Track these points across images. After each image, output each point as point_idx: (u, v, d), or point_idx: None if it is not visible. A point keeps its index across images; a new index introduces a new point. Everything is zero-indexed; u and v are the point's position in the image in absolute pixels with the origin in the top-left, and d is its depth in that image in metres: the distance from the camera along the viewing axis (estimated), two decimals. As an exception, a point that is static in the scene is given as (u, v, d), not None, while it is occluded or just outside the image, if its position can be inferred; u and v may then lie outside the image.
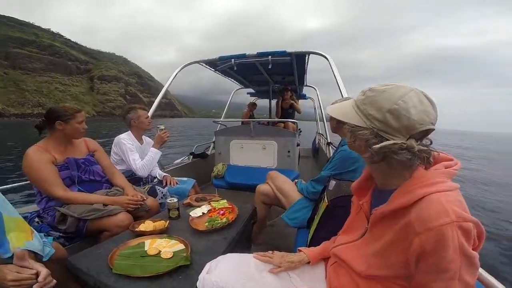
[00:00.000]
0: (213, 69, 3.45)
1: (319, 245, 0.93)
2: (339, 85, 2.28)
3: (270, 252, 0.88)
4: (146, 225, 1.25)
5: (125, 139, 2.03)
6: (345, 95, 2.13)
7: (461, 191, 0.59)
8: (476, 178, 9.71)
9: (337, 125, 1.48)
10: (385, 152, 0.60)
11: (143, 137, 2.23)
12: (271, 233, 2.21)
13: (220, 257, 0.87)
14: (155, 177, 2.20)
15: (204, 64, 3.24)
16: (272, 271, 0.82)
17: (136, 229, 1.22)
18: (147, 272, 0.87)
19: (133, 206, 1.53)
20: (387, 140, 0.60)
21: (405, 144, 0.57)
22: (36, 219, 1.45)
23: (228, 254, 0.89)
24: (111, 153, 2.05)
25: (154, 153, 2.13)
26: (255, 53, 2.78)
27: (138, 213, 1.57)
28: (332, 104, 1.34)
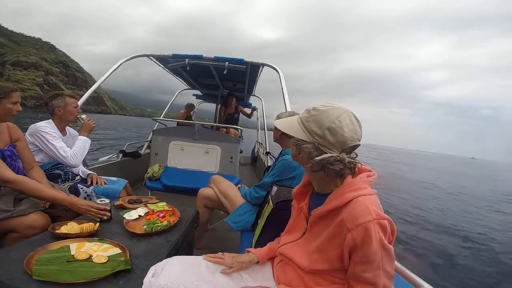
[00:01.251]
0: (163, 66, 3.28)
1: (264, 246, 0.99)
2: (285, 98, 2.44)
3: (221, 253, 0.90)
4: (70, 227, 1.10)
5: (46, 127, 1.71)
6: (289, 108, 2.28)
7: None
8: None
9: (281, 136, 1.60)
10: (323, 163, 0.70)
11: (67, 128, 1.92)
12: (213, 237, 2.19)
13: (165, 260, 0.83)
14: (77, 174, 1.92)
15: (153, 59, 3.05)
16: (224, 271, 0.84)
17: (57, 231, 1.06)
18: (80, 278, 0.76)
19: (93, 215, 1.25)
20: (325, 153, 0.71)
21: (338, 157, 0.70)
22: None
23: (175, 257, 0.86)
24: None
25: (83, 141, 1.87)
26: (213, 56, 2.77)
27: (57, 213, 1.35)
28: (278, 117, 1.48)
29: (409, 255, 4.48)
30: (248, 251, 0.95)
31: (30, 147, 1.67)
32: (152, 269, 0.78)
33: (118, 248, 0.98)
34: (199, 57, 2.78)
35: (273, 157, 2.87)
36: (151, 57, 3.00)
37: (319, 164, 0.71)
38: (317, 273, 0.75)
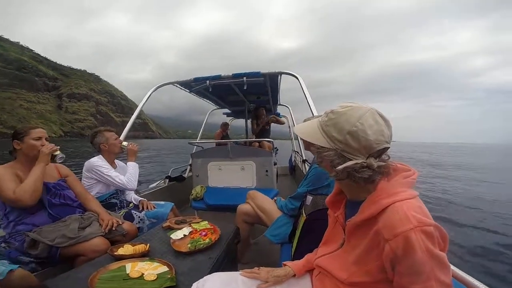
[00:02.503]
0: (188, 91, 3.46)
1: (302, 258, 0.97)
2: (309, 103, 2.41)
3: (257, 268, 0.90)
4: (126, 249, 1.23)
5: (98, 161, 1.96)
6: (315, 113, 2.24)
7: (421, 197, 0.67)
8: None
9: (309, 143, 1.58)
10: (348, 171, 0.64)
11: (116, 161, 2.16)
12: (256, 251, 2.20)
13: (206, 277, 0.87)
14: (131, 202, 2.13)
15: (178, 86, 3.23)
16: (260, 286, 0.84)
17: (115, 253, 1.19)
18: (134, 294, 0.85)
19: (109, 227, 1.50)
20: (349, 160, 0.65)
21: (365, 163, 0.63)
22: (3, 244, 1.35)
23: (214, 273, 0.90)
24: (83, 178, 1.96)
25: (133, 166, 2.09)
26: (231, 74, 2.83)
27: (115, 238, 1.52)
28: (302, 122, 1.45)
29: (469, 259, 3.90)
30: (285, 264, 0.94)
31: (88, 181, 1.93)
32: (194, 285, 0.83)
33: (165, 266, 1.06)
34: (218, 77, 2.87)
35: (310, 164, 2.81)
36: (175, 84, 3.18)
37: (344, 172, 0.65)
38: (357, 286, 0.70)
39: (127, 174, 2.03)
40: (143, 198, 2.16)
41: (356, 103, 0.69)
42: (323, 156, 0.70)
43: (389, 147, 0.67)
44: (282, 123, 4.86)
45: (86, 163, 1.96)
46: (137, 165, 2.15)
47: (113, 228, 1.52)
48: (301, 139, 1.77)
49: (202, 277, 0.88)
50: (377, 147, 0.64)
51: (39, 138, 1.49)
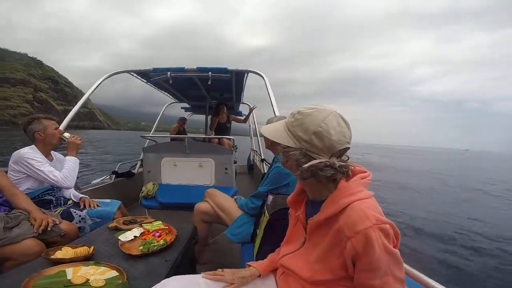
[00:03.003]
0: (145, 81, 3.24)
1: (265, 258, 0.97)
2: (272, 103, 2.45)
3: (220, 270, 0.87)
4: (65, 252, 1.07)
5: (29, 153, 1.66)
6: (277, 113, 2.28)
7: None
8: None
9: (272, 143, 1.60)
10: (312, 170, 0.67)
11: (52, 152, 1.87)
12: (215, 251, 2.15)
13: (164, 281, 0.81)
14: (69, 199, 1.88)
15: (135, 75, 3.00)
16: None
17: (52, 257, 1.03)
18: (78, 304, 0.74)
19: (43, 228, 1.30)
20: (314, 159, 0.68)
21: (328, 162, 0.66)
22: None
23: (173, 277, 0.84)
24: (9, 171, 1.65)
25: (73, 161, 1.83)
26: (195, 67, 2.72)
27: (51, 239, 1.32)
28: (267, 123, 1.47)
29: (418, 256, 4.45)
30: (249, 265, 0.93)
31: (16, 175, 1.64)
32: None
33: (115, 270, 0.96)
34: (181, 70, 2.74)
35: (269, 163, 2.85)
36: (132, 73, 2.96)
37: (308, 171, 0.68)
38: (321, 284, 0.72)
39: (63, 170, 1.77)
40: (84, 195, 1.93)
41: (320, 106, 0.73)
42: (289, 155, 0.72)
43: (349, 147, 0.71)
44: (244, 122, 4.83)
45: (15, 154, 1.65)
46: (78, 160, 1.90)
47: (48, 228, 1.32)
48: (262, 138, 1.79)
49: (159, 281, 0.82)
50: (339, 147, 0.68)
51: None
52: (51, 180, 1.69)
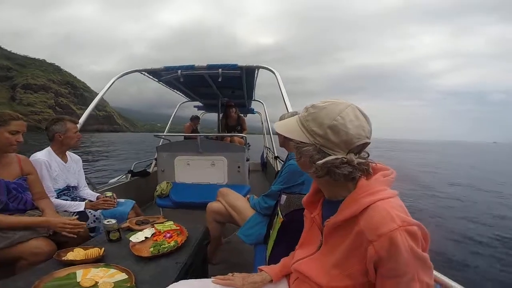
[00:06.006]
0: (157, 80, 3.24)
1: (278, 261, 0.92)
2: (285, 99, 2.38)
3: (230, 274, 0.84)
4: (76, 253, 1.08)
5: (43, 160, 1.64)
6: (290, 109, 2.21)
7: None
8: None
9: (284, 140, 1.52)
10: (328, 167, 0.62)
11: (68, 153, 1.88)
12: (228, 251, 2.11)
13: (173, 285, 0.78)
14: (85, 199, 1.90)
15: (146, 74, 2.99)
16: None
17: (64, 258, 1.04)
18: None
19: (69, 231, 1.29)
20: (329, 155, 0.63)
21: (345, 158, 0.61)
22: None
23: (183, 281, 0.81)
24: None
25: (76, 205, 1.74)
26: (205, 65, 2.68)
27: (61, 239, 1.32)
28: (280, 119, 1.41)
29: (447, 262, 4.07)
30: (261, 269, 0.88)
31: None
32: None
33: (124, 273, 0.94)
34: (192, 67, 2.71)
35: (282, 161, 2.77)
36: (143, 72, 2.95)
37: (323, 168, 0.63)
38: None
39: (64, 201, 1.70)
40: (100, 194, 1.95)
41: (337, 99, 0.67)
42: (302, 151, 0.67)
43: (369, 143, 0.65)
44: (244, 130, 4.48)
45: (31, 157, 1.65)
46: (82, 209, 1.75)
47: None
48: (276, 135, 1.72)
49: (168, 285, 0.79)
50: (357, 142, 0.63)
51: (17, 132, 1.29)
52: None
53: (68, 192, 1.81)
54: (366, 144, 0.65)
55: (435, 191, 9.48)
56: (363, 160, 0.63)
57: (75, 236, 1.30)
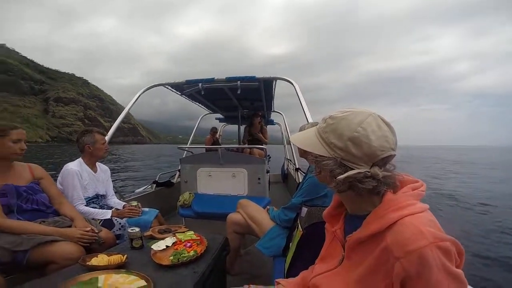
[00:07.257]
0: (179, 93, 3.37)
1: (297, 274, 0.88)
2: (304, 110, 2.36)
3: (247, 286, 0.82)
4: (100, 259, 1.11)
5: (74, 170, 1.76)
6: (310, 119, 2.18)
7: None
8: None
9: (304, 151, 1.50)
10: (350, 181, 0.59)
11: (97, 163, 2.01)
12: (247, 262, 2.08)
13: None
14: (112, 207, 2.00)
15: (169, 87, 3.12)
16: None
17: (88, 263, 1.07)
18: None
19: (86, 240, 1.36)
20: (351, 169, 0.59)
21: (369, 172, 0.57)
22: None
23: None
24: (57, 182, 1.79)
25: (102, 213, 1.83)
26: (224, 78, 2.75)
27: (91, 246, 1.40)
28: (299, 130, 1.38)
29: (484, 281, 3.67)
30: (278, 282, 0.85)
31: (60, 187, 1.74)
32: None
33: (143, 280, 0.95)
34: (211, 80, 2.78)
35: (303, 173, 2.69)
36: (166, 86, 3.07)
37: (345, 183, 0.59)
38: None
39: (92, 209, 1.79)
40: (126, 203, 2.03)
41: (356, 108, 0.63)
42: (321, 165, 0.64)
43: (395, 155, 0.61)
44: (265, 143, 4.49)
45: (64, 168, 1.78)
46: (108, 216, 1.84)
47: (88, 241, 1.40)
48: (295, 146, 1.69)
49: None
50: (381, 155, 0.58)
51: (18, 141, 1.36)
52: (71, 201, 1.71)
53: (97, 200, 1.91)
54: (391, 156, 0.60)
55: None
56: (389, 173, 0.59)
57: (100, 242, 1.38)
